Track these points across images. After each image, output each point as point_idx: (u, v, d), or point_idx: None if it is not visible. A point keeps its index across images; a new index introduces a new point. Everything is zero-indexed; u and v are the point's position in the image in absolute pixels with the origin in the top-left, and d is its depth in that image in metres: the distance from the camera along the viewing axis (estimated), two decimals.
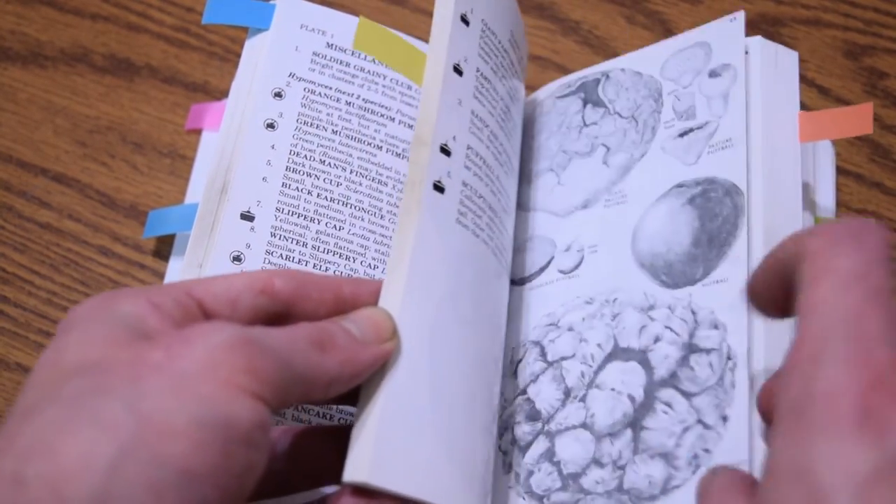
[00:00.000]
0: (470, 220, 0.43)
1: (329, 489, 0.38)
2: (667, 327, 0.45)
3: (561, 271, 0.49)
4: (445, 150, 0.42)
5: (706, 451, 0.43)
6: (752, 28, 0.60)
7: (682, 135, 0.50)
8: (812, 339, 0.30)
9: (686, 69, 0.51)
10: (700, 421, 0.43)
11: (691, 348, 0.44)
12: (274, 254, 0.46)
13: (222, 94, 0.59)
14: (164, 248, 0.55)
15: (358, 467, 0.36)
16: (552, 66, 0.60)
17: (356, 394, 0.38)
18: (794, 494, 0.28)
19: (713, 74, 0.50)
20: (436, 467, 0.38)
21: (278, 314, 0.37)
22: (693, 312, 0.45)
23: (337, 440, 0.38)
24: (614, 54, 0.60)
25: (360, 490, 0.36)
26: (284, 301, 0.37)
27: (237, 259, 0.45)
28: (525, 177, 0.53)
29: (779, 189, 0.48)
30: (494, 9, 0.48)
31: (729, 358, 0.44)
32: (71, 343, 0.33)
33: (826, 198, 0.54)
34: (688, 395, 0.44)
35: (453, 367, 0.40)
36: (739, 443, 0.42)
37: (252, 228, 0.46)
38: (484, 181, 0.45)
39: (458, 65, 0.44)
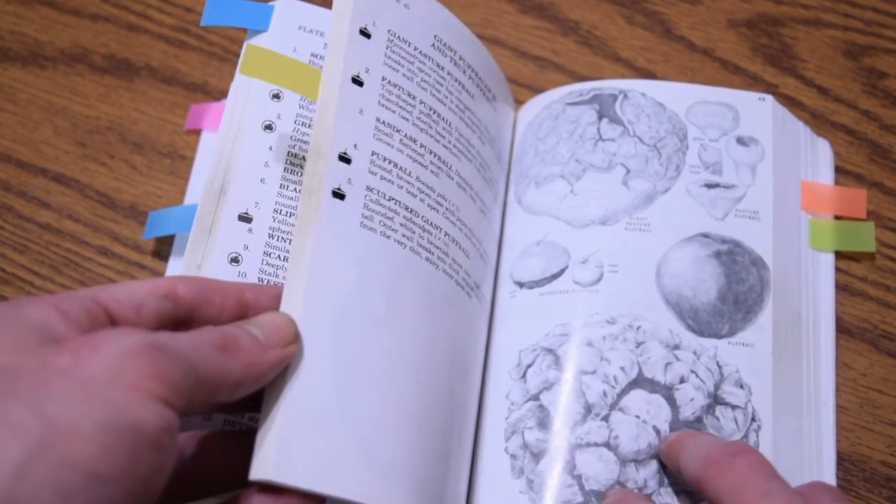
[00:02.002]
0: (378, 222, 0.44)
1: (239, 492, 0.38)
2: (692, 371, 0.47)
3: (577, 283, 0.50)
4: (345, 158, 0.44)
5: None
6: (751, 28, 0.60)
7: (708, 186, 0.51)
8: None
9: (713, 123, 0.53)
10: None
11: (717, 399, 0.47)
12: (272, 255, 0.46)
13: (222, 94, 0.59)
14: (163, 248, 0.55)
15: (263, 465, 0.37)
16: (551, 66, 0.60)
17: (261, 400, 0.39)
18: None
19: (741, 142, 0.52)
20: (345, 462, 0.39)
21: (182, 319, 0.38)
22: (719, 366, 0.47)
23: (244, 443, 0.39)
24: (614, 54, 0.60)
25: (267, 488, 0.37)
26: (187, 306, 0.38)
27: (235, 260, 0.45)
28: (532, 179, 0.53)
29: (786, 250, 0.51)
30: (406, 18, 0.48)
31: (753, 419, 0.46)
32: None
33: None
34: None
35: (365, 365, 0.41)
36: None
37: (250, 230, 0.46)
38: (396, 184, 0.45)
39: (357, 76, 0.45)
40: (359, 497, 0.39)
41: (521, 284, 0.51)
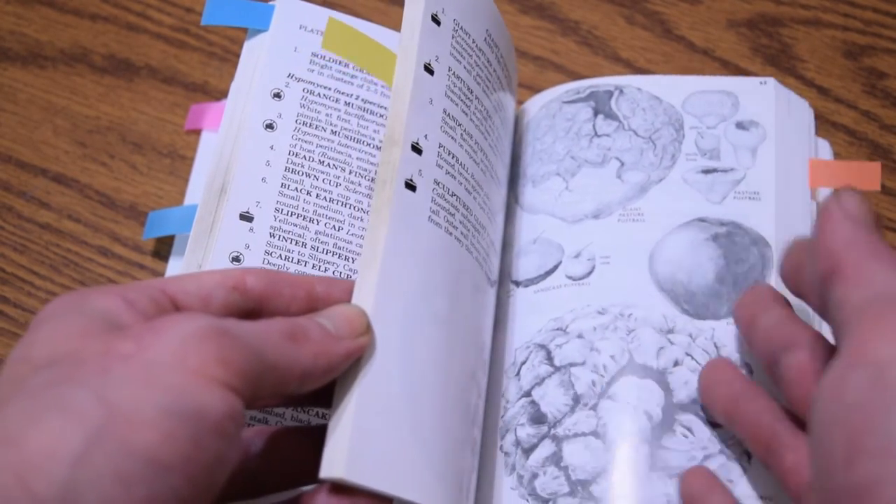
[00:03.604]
0: (442, 217, 0.44)
1: (306, 489, 0.38)
2: (687, 354, 0.47)
3: (570, 277, 0.50)
4: (416, 149, 0.43)
5: (729, 481, 0.43)
6: (751, 28, 0.60)
7: (705, 172, 0.51)
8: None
9: (711, 111, 0.53)
10: (723, 451, 0.44)
11: None
12: (273, 254, 0.46)
13: (222, 94, 0.59)
14: (163, 248, 0.55)
15: (334, 464, 0.36)
16: (551, 66, 0.60)
17: (331, 395, 0.38)
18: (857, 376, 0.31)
19: (741, 126, 0.52)
20: (411, 464, 0.38)
21: (251, 311, 0.37)
22: (716, 347, 0.47)
23: (312, 439, 0.38)
24: (614, 55, 0.60)
25: (337, 487, 0.36)
26: (257, 298, 0.37)
27: (236, 259, 0.45)
28: (529, 178, 0.53)
29: (791, 230, 0.50)
30: (467, 8, 0.48)
31: None
32: (41, 337, 0.33)
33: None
34: (711, 425, 0.45)
35: (428, 364, 0.41)
36: (765, 480, 0.43)
37: (251, 229, 0.46)
38: (457, 179, 0.45)
39: (428, 64, 0.44)
40: (424, 499, 0.38)
41: (517, 283, 0.51)
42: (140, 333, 0.32)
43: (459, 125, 0.46)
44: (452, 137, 0.45)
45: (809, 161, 0.52)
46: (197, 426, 0.31)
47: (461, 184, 0.45)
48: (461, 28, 0.47)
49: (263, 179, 0.47)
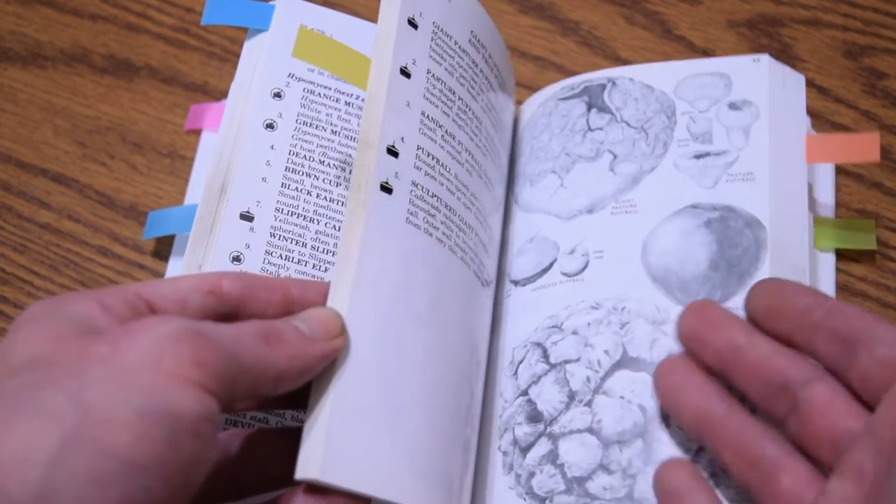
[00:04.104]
0: (421, 218, 0.44)
1: (285, 490, 0.38)
2: None
3: (564, 274, 0.49)
4: (392, 152, 0.43)
5: (713, 475, 0.43)
6: (751, 28, 0.60)
7: (697, 157, 0.50)
8: None
9: (703, 95, 0.52)
10: None
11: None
12: (273, 254, 0.46)
13: (222, 94, 0.59)
14: (163, 248, 0.55)
15: (309, 465, 0.36)
16: (552, 66, 0.60)
17: (307, 397, 0.38)
18: None
19: (733, 107, 0.51)
20: (390, 464, 0.39)
21: (227, 315, 0.38)
22: None
23: (290, 440, 0.38)
24: (614, 55, 0.60)
25: (313, 488, 0.36)
26: (232, 302, 0.38)
27: (237, 259, 0.45)
28: (527, 178, 0.53)
29: (785, 209, 0.48)
30: (448, 10, 0.48)
31: None
32: (19, 340, 0.33)
33: (826, 197, 0.54)
34: None
35: (407, 364, 0.41)
36: None
37: (251, 229, 0.46)
38: (438, 181, 0.45)
39: (405, 67, 0.45)
40: (402, 499, 0.38)
41: (515, 283, 0.51)
42: (115, 336, 0.33)
43: (440, 127, 0.46)
44: (432, 139, 0.45)
45: (806, 137, 0.51)
46: (172, 427, 0.31)
47: (443, 185, 0.45)
48: (441, 30, 0.47)
49: (264, 179, 0.47)
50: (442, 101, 0.46)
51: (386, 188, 0.42)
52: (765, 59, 0.52)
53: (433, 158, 0.45)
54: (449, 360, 0.43)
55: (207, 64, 0.60)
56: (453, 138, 0.47)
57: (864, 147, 0.50)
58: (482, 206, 0.48)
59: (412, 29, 0.45)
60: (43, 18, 0.62)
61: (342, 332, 0.38)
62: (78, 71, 0.60)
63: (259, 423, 0.45)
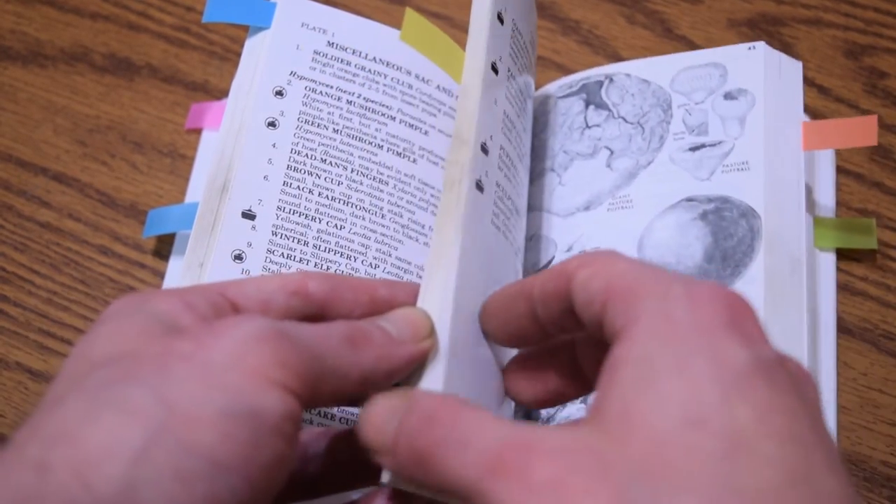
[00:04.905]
0: (501, 221, 0.43)
1: (362, 492, 0.38)
2: None
3: None
4: (485, 149, 0.42)
5: None
6: (752, 28, 0.60)
7: (693, 149, 0.50)
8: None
9: (699, 87, 0.52)
10: None
11: None
12: (275, 252, 0.46)
13: (222, 93, 0.59)
14: (164, 247, 0.55)
15: None
16: (552, 65, 0.60)
17: None
18: (672, 390, 0.29)
19: (729, 97, 0.51)
20: None
21: (312, 316, 0.37)
22: None
23: None
24: (614, 54, 0.60)
25: (398, 492, 0.36)
26: (318, 303, 0.37)
27: (238, 258, 0.45)
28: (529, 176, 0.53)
29: (781, 196, 0.48)
30: (522, 8, 0.48)
31: None
32: (102, 335, 0.33)
33: (826, 197, 0.54)
34: None
35: (488, 369, 0.40)
36: None
37: (253, 227, 0.46)
38: (512, 182, 0.45)
39: (495, 63, 0.44)
40: None
41: None
42: (199, 334, 0.32)
43: (514, 127, 0.46)
44: (509, 139, 0.45)
45: (802, 124, 0.51)
46: (255, 427, 0.31)
47: (515, 187, 0.45)
48: (517, 28, 0.47)
49: (265, 177, 0.47)
50: (516, 101, 0.46)
51: (479, 186, 0.41)
52: (760, 46, 0.52)
53: (510, 159, 0.45)
54: (499, 359, 0.43)
55: (208, 63, 0.60)
56: (521, 140, 0.46)
57: (862, 131, 0.50)
58: (525, 207, 0.48)
59: (499, 24, 0.45)
60: (43, 17, 0.62)
61: (431, 333, 0.37)
62: (78, 70, 0.60)
63: (336, 424, 0.44)
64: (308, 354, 0.33)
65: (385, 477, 0.35)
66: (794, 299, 0.47)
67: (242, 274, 0.45)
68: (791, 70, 0.52)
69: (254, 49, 0.50)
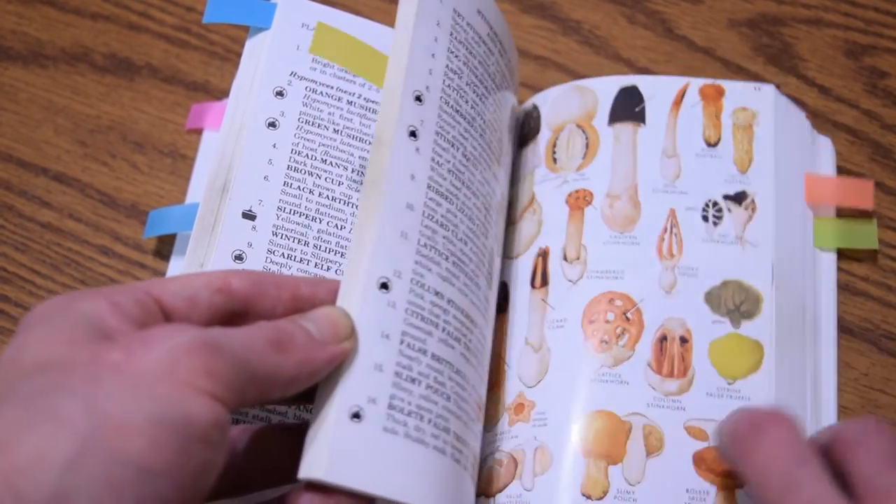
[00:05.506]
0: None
1: (291, 487, 0.38)
2: None
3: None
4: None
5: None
6: (753, 27, 0.60)
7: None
8: None
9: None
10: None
11: None
12: (276, 253, 0.46)
13: (223, 93, 0.59)
14: (164, 247, 0.55)
15: (314, 464, 0.36)
16: (552, 65, 0.60)
17: (313, 393, 0.38)
18: None
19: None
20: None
21: (236, 312, 0.38)
22: None
23: (293, 437, 0.38)
24: (615, 54, 0.60)
25: (318, 487, 0.36)
26: (242, 299, 0.38)
27: (239, 258, 0.45)
28: None
29: (789, 244, 0.50)
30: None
31: None
32: (31, 341, 0.34)
33: None
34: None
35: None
36: None
37: (254, 227, 0.46)
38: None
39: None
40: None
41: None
42: (129, 344, 0.33)
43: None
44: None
45: (806, 176, 0.52)
46: (184, 434, 0.31)
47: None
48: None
49: (266, 177, 0.47)
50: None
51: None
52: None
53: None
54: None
55: (209, 63, 0.60)
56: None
57: (858, 193, 0.52)
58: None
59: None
60: (44, 17, 0.62)
61: (352, 333, 0.38)
62: (79, 70, 0.60)
63: (260, 422, 0.45)
64: (235, 363, 0.34)
65: (303, 472, 0.36)
66: (797, 343, 0.49)
67: None
68: (796, 118, 0.54)
69: (254, 49, 0.50)
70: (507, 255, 0.51)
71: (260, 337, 0.35)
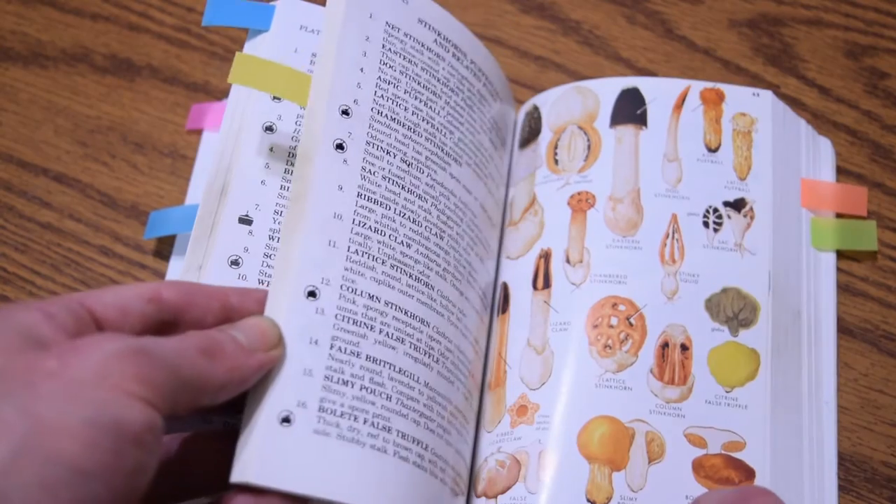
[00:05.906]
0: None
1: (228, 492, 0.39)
2: None
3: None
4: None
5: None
6: (753, 28, 0.60)
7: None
8: None
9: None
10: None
11: None
12: (272, 257, 0.46)
13: (223, 94, 0.59)
14: (164, 248, 0.55)
15: (245, 469, 0.38)
16: (552, 65, 0.60)
17: (242, 402, 0.40)
18: None
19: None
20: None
21: (167, 322, 0.39)
22: None
23: (229, 444, 0.39)
24: (615, 54, 0.60)
25: (249, 488, 0.38)
26: (172, 309, 0.39)
27: (235, 263, 0.45)
28: None
29: (784, 250, 0.50)
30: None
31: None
32: None
33: None
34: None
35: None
36: None
37: (250, 232, 0.46)
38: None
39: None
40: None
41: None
42: (63, 352, 0.34)
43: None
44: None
45: (802, 181, 0.52)
46: (118, 437, 0.33)
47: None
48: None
49: (263, 182, 0.47)
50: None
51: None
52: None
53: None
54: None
55: (209, 64, 0.60)
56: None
57: (853, 200, 0.53)
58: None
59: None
60: (44, 18, 0.62)
61: (280, 341, 0.40)
62: (79, 71, 0.60)
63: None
64: (167, 369, 0.35)
65: (235, 476, 0.38)
66: (793, 348, 0.49)
67: (239, 279, 0.45)
68: (794, 124, 0.54)
69: (253, 51, 0.50)
70: (508, 255, 0.52)
71: (190, 345, 0.37)
